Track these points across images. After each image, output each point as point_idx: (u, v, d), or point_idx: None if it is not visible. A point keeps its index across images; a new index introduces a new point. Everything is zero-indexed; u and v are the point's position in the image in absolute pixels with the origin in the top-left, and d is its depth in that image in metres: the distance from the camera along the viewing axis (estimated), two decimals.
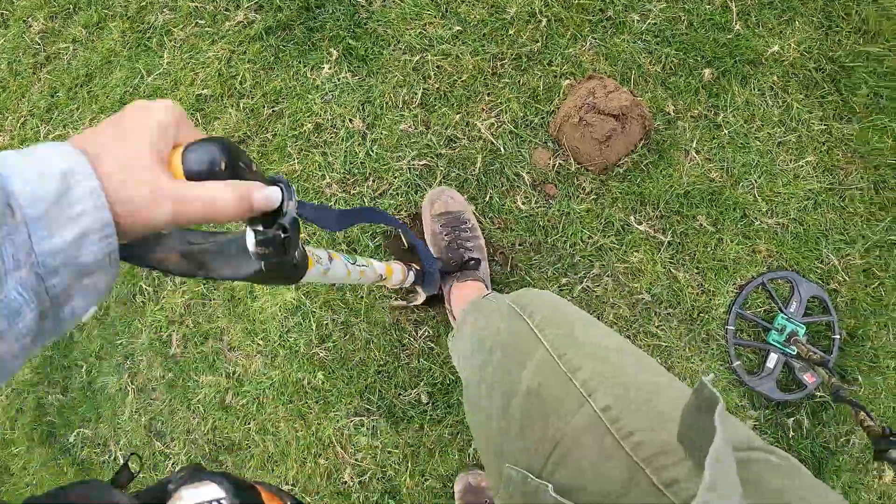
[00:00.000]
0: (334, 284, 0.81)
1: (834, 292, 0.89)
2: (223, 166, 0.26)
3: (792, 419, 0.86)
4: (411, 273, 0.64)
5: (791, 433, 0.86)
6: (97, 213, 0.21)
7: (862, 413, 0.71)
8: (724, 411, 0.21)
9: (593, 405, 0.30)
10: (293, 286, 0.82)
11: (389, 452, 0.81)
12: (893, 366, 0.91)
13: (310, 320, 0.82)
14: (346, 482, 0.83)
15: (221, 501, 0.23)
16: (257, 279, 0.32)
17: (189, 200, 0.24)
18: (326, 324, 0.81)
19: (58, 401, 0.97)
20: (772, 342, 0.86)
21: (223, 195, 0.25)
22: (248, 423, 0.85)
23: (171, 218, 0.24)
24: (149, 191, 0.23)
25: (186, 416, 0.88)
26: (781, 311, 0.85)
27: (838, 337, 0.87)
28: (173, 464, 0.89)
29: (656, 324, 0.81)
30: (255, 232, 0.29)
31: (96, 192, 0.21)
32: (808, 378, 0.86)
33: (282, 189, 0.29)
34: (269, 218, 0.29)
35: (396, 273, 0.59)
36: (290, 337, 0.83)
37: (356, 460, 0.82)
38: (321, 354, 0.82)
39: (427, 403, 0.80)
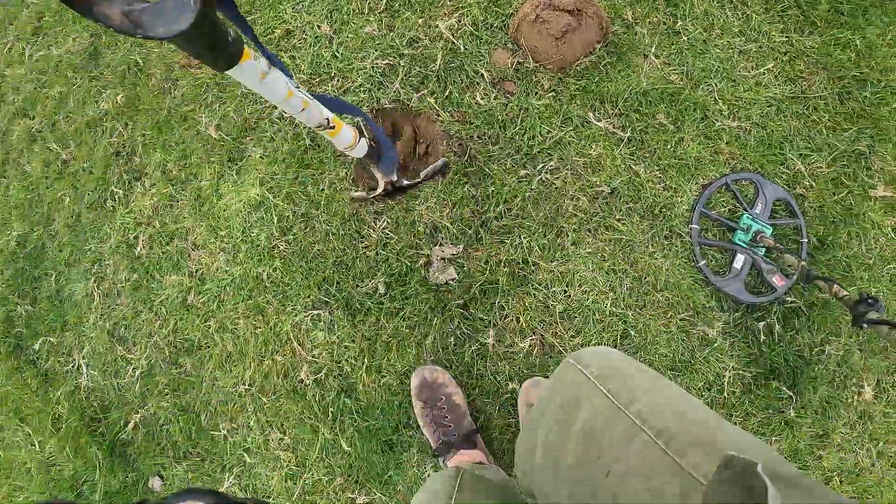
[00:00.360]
0: (297, 179, 0.82)
1: (801, 197, 0.88)
2: None
3: (762, 323, 0.84)
4: (363, 141, 0.64)
5: (762, 338, 0.83)
6: None
7: (836, 286, 0.69)
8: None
9: (648, 432, 0.32)
10: (256, 185, 0.83)
11: (346, 347, 0.80)
12: (867, 277, 0.89)
13: (272, 213, 0.82)
14: (302, 380, 0.81)
15: None
16: (190, 41, 0.33)
17: None
18: (288, 216, 0.82)
19: (26, 312, 0.98)
20: (738, 242, 0.84)
21: None
22: (208, 322, 0.85)
23: None
24: None
25: (149, 319, 0.88)
26: (747, 211, 0.84)
27: (806, 241, 0.86)
28: (134, 369, 0.89)
29: (617, 217, 0.80)
30: None
31: None
32: (777, 280, 0.84)
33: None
34: None
35: (346, 132, 0.60)
36: (253, 232, 0.84)
37: (313, 357, 0.81)
38: (281, 247, 0.82)
39: (384, 294, 0.79)
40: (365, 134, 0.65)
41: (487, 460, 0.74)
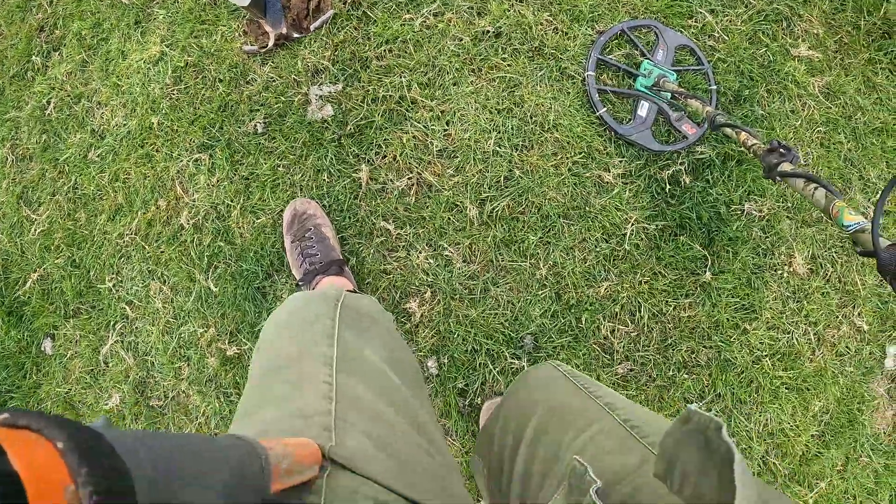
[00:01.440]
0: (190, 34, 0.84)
1: (711, 49, 0.82)
2: None
3: (668, 172, 0.77)
4: None
5: (668, 188, 0.76)
6: None
7: (744, 133, 0.62)
8: (746, 467, 0.21)
9: (615, 416, 0.35)
10: (158, 42, 0.86)
11: (224, 189, 0.78)
12: (793, 137, 0.81)
13: (167, 66, 0.84)
14: (182, 225, 0.80)
15: None
16: None
17: None
18: (181, 67, 0.83)
19: None
20: (640, 88, 0.79)
21: None
22: (104, 173, 0.85)
23: None
24: None
25: (53, 177, 0.90)
26: (646, 57, 0.79)
27: (716, 88, 0.80)
28: (36, 228, 0.90)
29: (502, 57, 0.77)
30: None
31: None
32: (687, 129, 0.78)
33: None
34: None
35: None
36: (150, 87, 0.85)
37: (193, 201, 0.80)
38: (174, 96, 0.83)
39: (263, 134, 0.78)
40: None
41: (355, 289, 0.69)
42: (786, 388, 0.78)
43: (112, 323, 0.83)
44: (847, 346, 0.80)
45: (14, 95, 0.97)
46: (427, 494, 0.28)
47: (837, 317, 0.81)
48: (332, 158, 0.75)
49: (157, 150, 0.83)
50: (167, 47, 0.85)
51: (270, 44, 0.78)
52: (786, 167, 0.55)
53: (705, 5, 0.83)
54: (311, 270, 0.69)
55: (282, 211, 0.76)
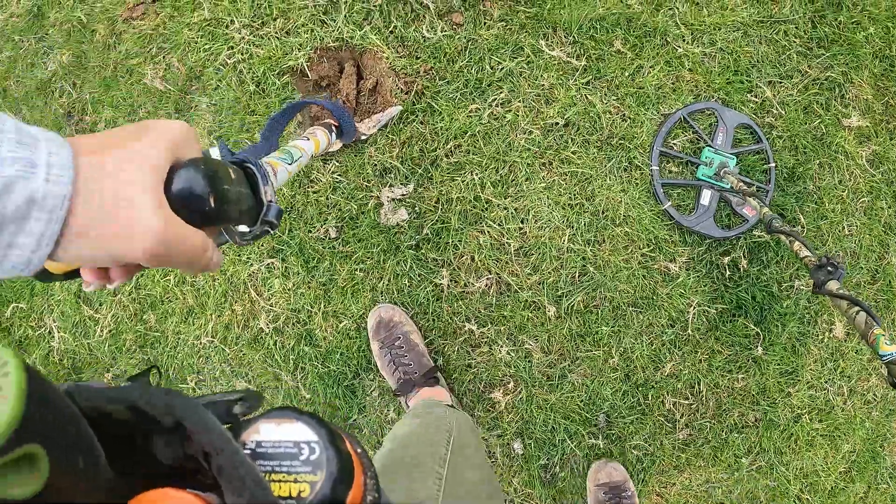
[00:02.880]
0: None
1: (770, 127, 0.84)
2: (212, 202, 0.24)
3: (728, 258, 0.81)
4: (333, 134, 0.64)
5: (727, 273, 0.81)
6: (38, 246, 0.19)
7: (797, 243, 0.66)
8: None
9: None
10: (204, 135, 0.82)
11: (302, 294, 0.79)
12: (839, 209, 0.86)
13: None
14: (262, 329, 0.82)
15: (314, 446, 0.18)
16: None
17: (174, 244, 0.21)
18: None
19: None
20: (702, 178, 0.81)
21: (204, 256, 0.23)
22: (168, 276, 0.85)
23: (145, 257, 0.21)
24: (136, 216, 0.20)
25: None
26: (707, 144, 0.81)
27: (773, 165, 0.83)
28: (102, 328, 0.90)
29: (572, 150, 0.78)
30: (240, 234, 0.31)
31: (52, 230, 0.18)
32: (748, 212, 0.82)
33: (256, 174, 0.29)
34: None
35: (322, 142, 0.60)
36: None
37: (270, 305, 0.81)
38: None
39: (336, 238, 0.78)
40: (332, 125, 0.64)
41: (451, 400, 0.74)
42: (820, 437, 0.89)
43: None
44: (874, 395, 0.91)
45: None
46: None
47: (867, 369, 0.90)
48: (411, 264, 0.77)
49: (223, 254, 0.82)
50: (216, 140, 0.82)
51: (336, 148, 0.76)
52: (832, 285, 0.60)
53: (763, 77, 0.84)
54: (406, 381, 0.73)
55: (364, 314, 0.78)
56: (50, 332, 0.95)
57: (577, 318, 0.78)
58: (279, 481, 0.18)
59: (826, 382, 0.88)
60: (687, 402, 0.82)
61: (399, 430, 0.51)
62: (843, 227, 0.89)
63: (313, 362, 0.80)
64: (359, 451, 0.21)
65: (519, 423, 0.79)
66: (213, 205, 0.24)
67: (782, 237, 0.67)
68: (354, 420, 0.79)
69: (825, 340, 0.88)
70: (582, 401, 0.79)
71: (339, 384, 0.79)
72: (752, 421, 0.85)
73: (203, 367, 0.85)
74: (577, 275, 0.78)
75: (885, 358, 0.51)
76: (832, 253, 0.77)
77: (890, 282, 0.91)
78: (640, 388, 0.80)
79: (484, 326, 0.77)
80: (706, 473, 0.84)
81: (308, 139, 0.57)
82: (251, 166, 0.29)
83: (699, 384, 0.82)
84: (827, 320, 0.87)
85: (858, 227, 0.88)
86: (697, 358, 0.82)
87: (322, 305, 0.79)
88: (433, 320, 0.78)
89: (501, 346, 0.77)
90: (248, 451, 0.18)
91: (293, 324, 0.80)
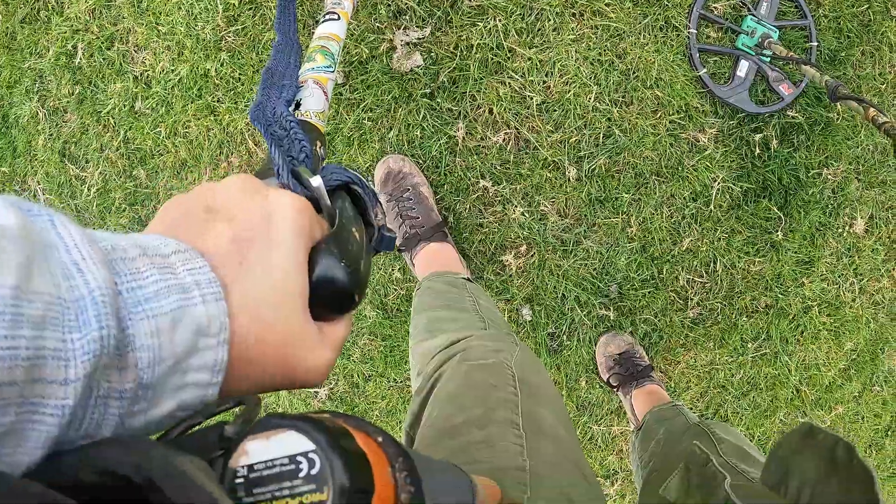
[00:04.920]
0: None
1: (817, 5, 0.78)
2: (357, 299, 0.20)
3: (759, 135, 0.77)
4: None
5: (757, 151, 0.77)
6: (212, 377, 0.16)
7: (872, 109, 0.59)
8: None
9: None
10: None
11: None
12: (876, 101, 0.81)
13: (216, 2, 0.73)
14: None
15: (312, 457, 0.15)
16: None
17: (338, 346, 0.19)
18: (234, 4, 0.73)
19: None
20: (741, 47, 0.76)
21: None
22: (158, 128, 0.79)
23: (324, 375, 0.18)
24: (300, 338, 0.17)
25: (98, 132, 0.82)
26: (750, 13, 0.75)
27: (816, 44, 0.77)
28: (88, 187, 0.84)
29: (606, 1, 0.71)
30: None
31: (221, 356, 0.16)
32: (784, 89, 0.77)
33: (364, 198, 0.23)
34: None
35: (351, 11, 0.43)
36: (197, 25, 0.75)
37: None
38: (229, 39, 0.74)
39: (343, 85, 0.72)
40: None
41: (459, 259, 0.71)
42: (826, 332, 0.88)
43: None
44: (883, 297, 0.90)
45: (29, 40, 0.84)
46: None
47: (881, 271, 0.88)
48: (424, 114, 0.71)
49: (218, 102, 0.75)
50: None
51: None
52: None
53: None
54: (412, 235, 0.69)
55: (371, 167, 0.73)
56: (35, 195, 0.90)
57: (597, 182, 0.74)
58: None
59: (839, 277, 0.87)
60: (701, 280, 0.80)
61: (447, 388, 0.41)
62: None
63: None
64: (379, 440, 0.17)
65: (529, 288, 0.76)
66: (357, 300, 0.20)
67: (853, 104, 0.61)
68: None
69: (844, 234, 0.85)
70: (595, 269, 0.76)
71: None
72: (762, 307, 0.84)
73: None
74: (601, 136, 0.73)
75: None
76: None
77: None
78: (656, 262, 0.78)
79: (499, 184, 0.73)
80: (711, 355, 0.84)
81: (337, 16, 0.41)
82: (358, 188, 0.23)
83: (716, 263, 0.80)
84: (849, 214, 0.84)
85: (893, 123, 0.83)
86: (717, 236, 0.79)
87: (327, 156, 0.74)
88: (445, 175, 0.73)
89: (516, 207, 0.74)
90: (240, 481, 0.15)
91: None
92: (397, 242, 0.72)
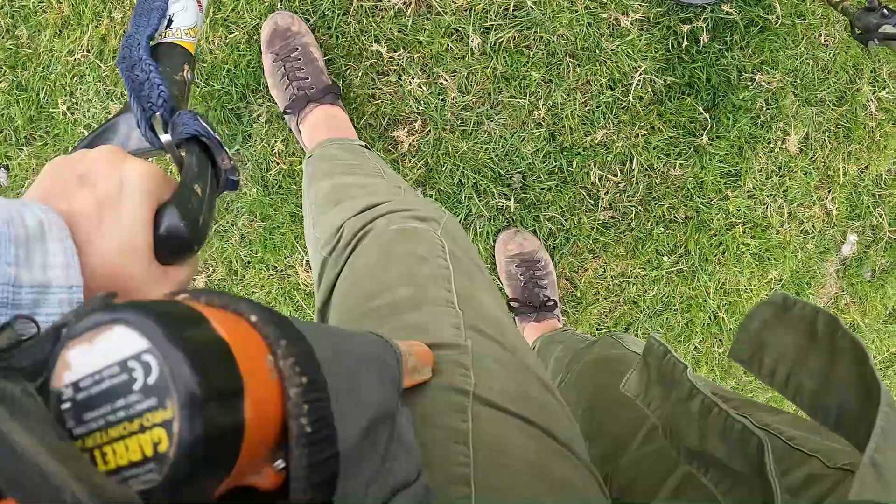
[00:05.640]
0: None
1: None
2: (195, 247, 0.24)
3: (688, 26, 0.72)
4: None
5: (685, 44, 0.72)
6: (68, 271, 0.19)
7: None
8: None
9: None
10: None
11: None
12: (821, 13, 0.76)
13: None
14: None
15: (146, 359, 0.11)
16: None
17: (181, 284, 0.24)
18: None
19: None
20: None
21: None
22: None
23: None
24: (143, 280, 0.21)
25: None
26: None
27: None
28: None
29: None
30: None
31: (70, 251, 0.19)
32: None
33: (211, 146, 0.25)
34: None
35: None
36: None
37: None
38: None
39: None
40: None
41: (348, 124, 0.65)
42: (749, 255, 0.84)
43: (70, 149, 0.77)
44: (813, 226, 0.85)
45: None
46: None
47: (812, 197, 0.84)
48: None
49: None
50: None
51: None
52: (888, 29, 0.48)
53: None
54: (300, 96, 0.63)
55: (258, 26, 0.67)
56: None
57: (504, 57, 0.68)
58: (120, 439, 0.11)
59: (767, 197, 0.82)
60: (615, 178, 0.75)
61: (365, 259, 0.35)
62: (821, 35, 0.79)
63: (196, 80, 0.70)
64: (252, 319, 0.13)
65: (422, 169, 0.71)
66: (196, 249, 0.24)
67: None
68: (237, 150, 0.71)
69: (776, 151, 0.81)
70: (497, 155, 0.71)
71: (223, 107, 0.70)
72: (681, 217, 0.79)
73: (76, 88, 0.75)
74: (511, 7, 0.67)
75: None
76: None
77: (856, 110, 0.83)
78: (565, 153, 0.72)
79: (395, 51, 0.67)
80: (623, 265, 0.79)
81: None
82: (206, 139, 0.25)
83: (631, 162, 0.75)
84: (782, 129, 0.80)
85: (836, 41, 0.78)
86: (634, 132, 0.74)
87: (211, 11, 0.68)
88: (336, 37, 0.67)
89: (412, 78, 0.68)
90: (66, 407, 0.11)
91: None
92: (281, 108, 0.66)
